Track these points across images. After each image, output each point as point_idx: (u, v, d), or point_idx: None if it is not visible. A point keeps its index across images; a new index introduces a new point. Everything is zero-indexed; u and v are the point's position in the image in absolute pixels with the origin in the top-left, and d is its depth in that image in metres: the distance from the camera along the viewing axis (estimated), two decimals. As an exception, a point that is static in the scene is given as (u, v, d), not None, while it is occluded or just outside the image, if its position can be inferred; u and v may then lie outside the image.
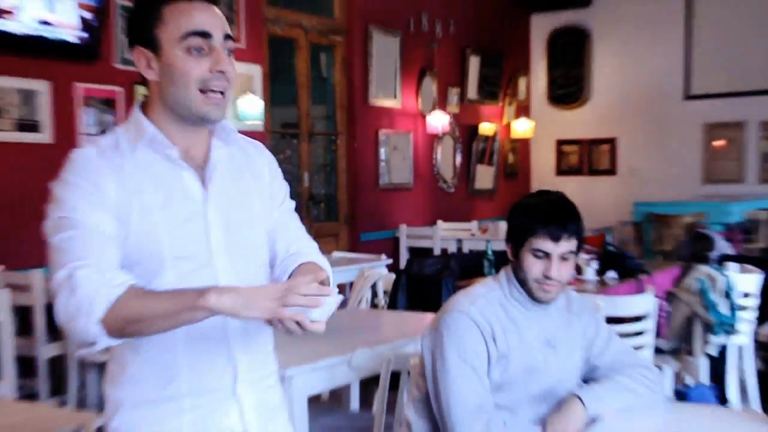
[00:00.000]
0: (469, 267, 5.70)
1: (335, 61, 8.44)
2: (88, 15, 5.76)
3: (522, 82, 11.32)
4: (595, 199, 10.23)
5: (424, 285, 5.22)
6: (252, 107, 7.04)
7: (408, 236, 8.85)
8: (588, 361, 2.65)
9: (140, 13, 1.78)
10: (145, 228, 1.73)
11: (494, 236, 7.76)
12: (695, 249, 6.46)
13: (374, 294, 5.17)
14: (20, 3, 5.35)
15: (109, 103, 6.12)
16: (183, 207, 1.78)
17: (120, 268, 1.69)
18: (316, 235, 7.56)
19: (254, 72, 7.25)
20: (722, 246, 6.55)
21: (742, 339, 4.92)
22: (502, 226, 8.07)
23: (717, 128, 10.46)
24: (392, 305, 5.12)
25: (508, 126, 10.97)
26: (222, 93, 1.77)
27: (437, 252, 8.40)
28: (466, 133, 10.18)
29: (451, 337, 2.48)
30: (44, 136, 5.75)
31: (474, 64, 10.23)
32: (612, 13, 10.92)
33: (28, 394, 4.94)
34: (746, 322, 4.86)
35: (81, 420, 2.53)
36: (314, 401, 3.55)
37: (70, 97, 5.91)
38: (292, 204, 2.03)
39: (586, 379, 2.65)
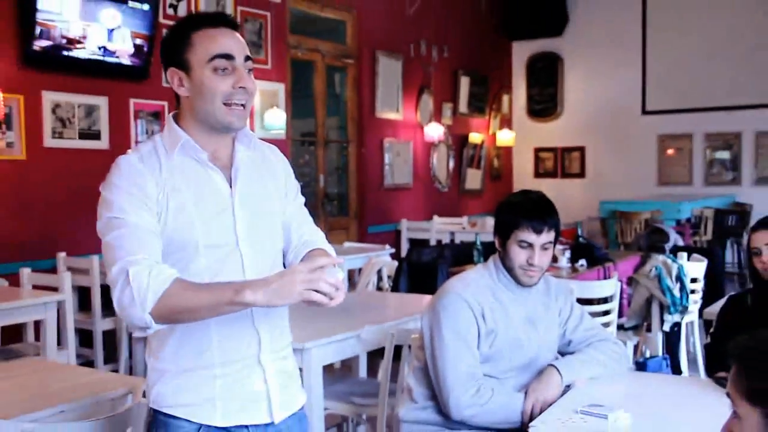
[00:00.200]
0: (460, 256, 5.66)
1: (347, 80, 8.41)
2: (140, 41, 5.76)
3: (505, 99, 11.28)
4: (567, 198, 10.19)
5: (422, 271, 5.18)
6: (276, 119, 7.01)
7: (408, 229, 8.82)
8: (563, 336, 2.63)
9: (173, 40, 1.77)
10: (181, 222, 1.72)
11: (482, 229, 7.70)
12: (652, 241, 6.42)
13: (380, 278, 5.14)
14: (87, 33, 5.41)
15: (156, 116, 6.10)
16: (213, 203, 1.76)
17: (162, 258, 1.68)
18: (330, 228, 7.68)
19: (278, 89, 7.22)
20: (675, 238, 6.50)
21: (692, 317, 4.89)
22: (489, 220, 8.04)
23: (669, 139, 10.53)
24: (395, 288, 5.08)
25: (493, 136, 10.93)
26: (243, 105, 1.76)
27: (433, 243, 8.36)
28: (458, 141, 10.14)
29: (447, 316, 2.45)
30: (103, 143, 5.74)
31: (464, 83, 10.19)
32: (581, 42, 10.92)
33: (86, 362, 4.92)
34: (694, 302, 4.83)
35: (131, 383, 2.52)
36: (328, 370, 3.52)
37: (125, 110, 5.91)
38: (303, 199, 2.01)
39: (562, 352, 2.62)
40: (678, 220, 8.45)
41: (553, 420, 2.12)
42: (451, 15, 9.78)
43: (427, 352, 2.51)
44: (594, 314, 3.66)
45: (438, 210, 9.41)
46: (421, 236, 8.66)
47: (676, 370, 4.54)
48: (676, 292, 4.55)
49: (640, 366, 2.81)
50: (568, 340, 2.62)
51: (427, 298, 3.47)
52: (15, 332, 4.59)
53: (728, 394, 1.33)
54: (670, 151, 10.51)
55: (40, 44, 5.18)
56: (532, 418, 2.29)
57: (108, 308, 4.98)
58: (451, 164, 10.01)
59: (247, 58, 1.77)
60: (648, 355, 4.56)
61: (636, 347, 4.73)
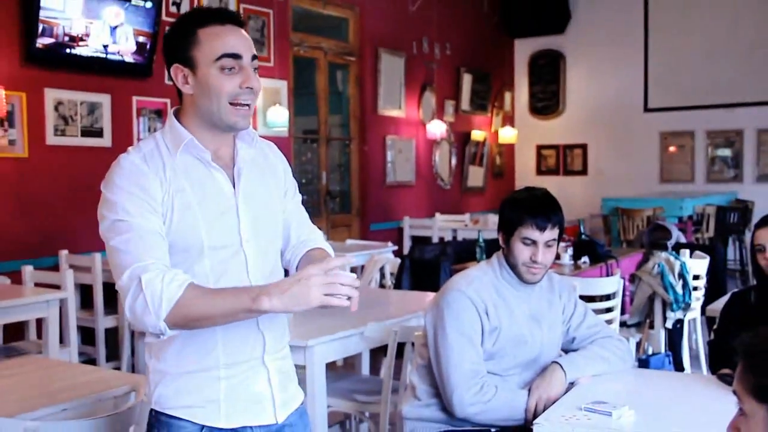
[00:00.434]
0: (463, 253, 5.65)
1: (349, 77, 8.39)
2: (143, 39, 5.75)
3: (507, 96, 11.26)
4: (570, 195, 10.15)
5: (424, 268, 5.16)
6: (279, 116, 7.00)
7: (411, 226, 8.80)
8: (567, 334, 2.61)
9: (178, 35, 1.72)
10: (186, 222, 1.69)
11: (484, 226, 7.69)
12: (654, 238, 6.40)
13: (382, 276, 5.13)
14: (89, 31, 5.40)
15: (159, 113, 6.08)
16: (217, 203, 1.73)
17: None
18: (332, 225, 7.67)
19: (281, 87, 7.21)
20: (677, 235, 6.48)
21: (694, 314, 4.88)
22: (491, 217, 8.03)
23: (671, 136, 10.50)
24: (398, 285, 5.06)
25: (495, 133, 10.90)
26: (248, 105, 1.73)
27: (435, 240, 8.34)
28: (460, 139, 10.12)
29: (451, 313, 2.44)
30: (105, 141, 5.73)
31: (467, 80, 10.16)
32: (583, 39, 10.88)
33: (88, 359, 4.91)
34: (697, 299, 4.81)
35: (133, 381, 2.50)
36: (331, 367, 3.51)
37: (128, 108, 5.89)
38: (300, 197, 1.99)
39: (566, 349, 2.61)
40: (680, 217, 8.43)
41: (556, 417, 2.11)
42: (454, 12, 9.76)
43: (430, 349, 2.50)
44: (597, 311, 3.65)
45: (440, 207, 9.39)
46: (423, 233, 8.65)
47: (679, 367, 4.52)
48: (679, 289, 4.54)
49: (643, 363, 2.81)
50: (572, 337, 2.61)
51: (430, 295, 3.46)
52: (17, 330, 4.59)
53: (735, 392, 1.32)
54: (672, 149, 10.50)
55: (42, 42, 5.17)
56: (536, 416, 2.27)
57: (110, 306, 4.98)
58: (454, 161, 9.99)
59: (254, 57, 1.74)
60: (650, 352, 4.55)
61: (638, 344, 4.72)
